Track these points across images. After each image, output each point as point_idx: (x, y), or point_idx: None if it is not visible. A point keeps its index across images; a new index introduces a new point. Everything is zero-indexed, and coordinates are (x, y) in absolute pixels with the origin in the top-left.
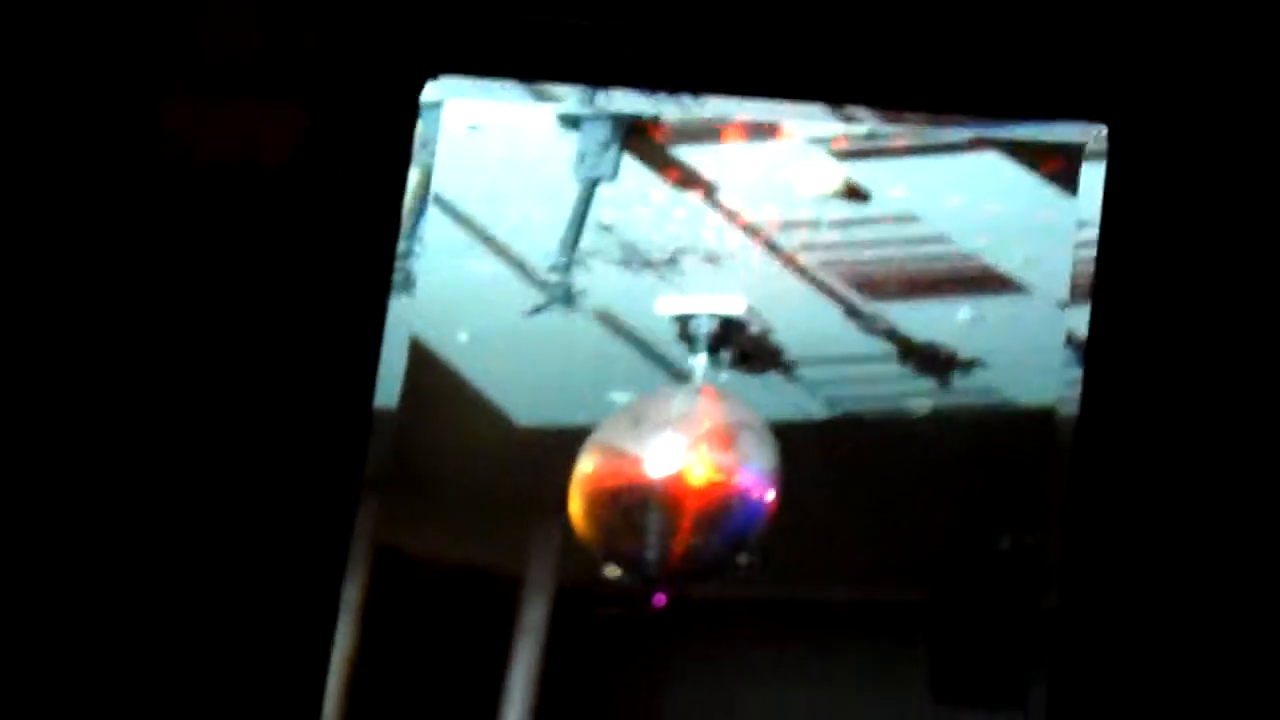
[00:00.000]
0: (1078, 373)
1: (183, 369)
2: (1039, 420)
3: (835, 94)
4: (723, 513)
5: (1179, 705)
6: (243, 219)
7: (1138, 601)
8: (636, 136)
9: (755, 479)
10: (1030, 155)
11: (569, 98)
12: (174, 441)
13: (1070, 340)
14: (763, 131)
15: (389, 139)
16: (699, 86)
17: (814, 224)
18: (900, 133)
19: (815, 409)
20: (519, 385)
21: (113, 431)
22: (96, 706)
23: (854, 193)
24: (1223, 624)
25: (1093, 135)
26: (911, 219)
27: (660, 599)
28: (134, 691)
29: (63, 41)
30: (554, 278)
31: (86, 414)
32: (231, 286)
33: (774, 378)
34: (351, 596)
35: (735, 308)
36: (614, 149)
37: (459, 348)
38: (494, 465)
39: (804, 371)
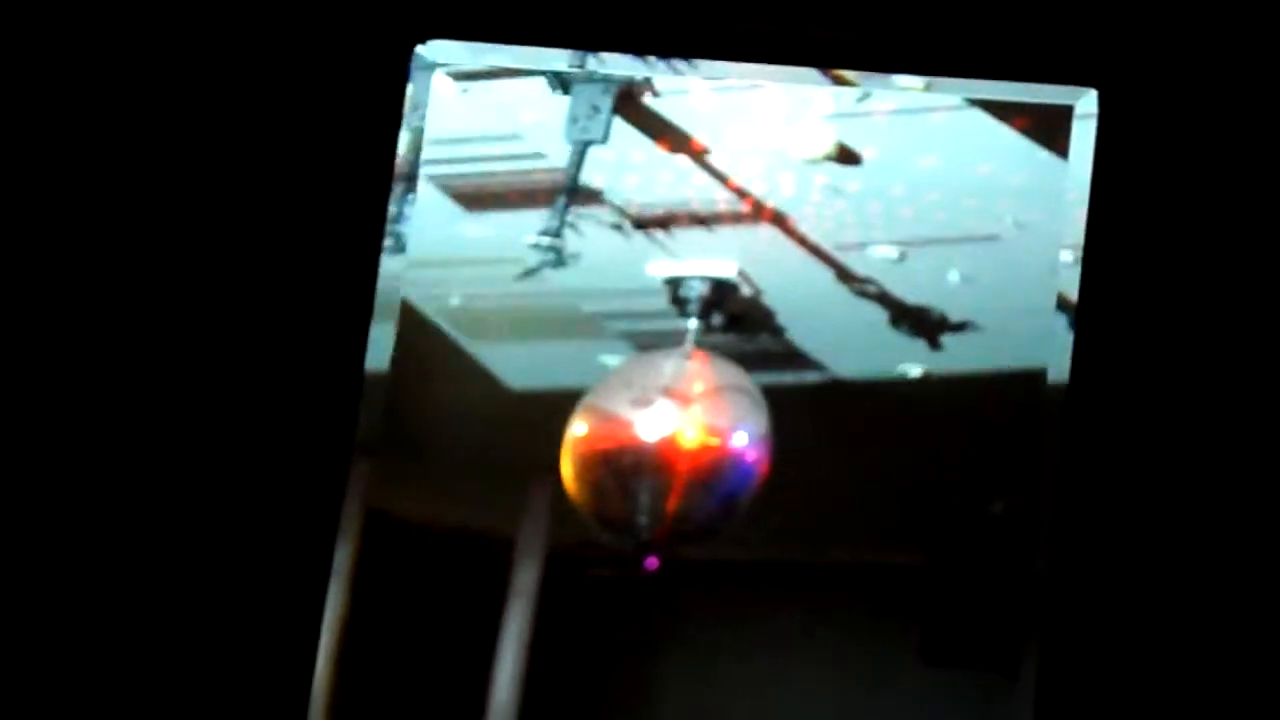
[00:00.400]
0: (1069, 336)
1: (173, 334)
2: (1030, 383)
3: (826, 58)
4: (714, 476)
5: (1170, 669)
6: (232, 184)
7: (1129, 565)
8: (628, 99)
9: (746, 442)
10: (1021, 118)
11: (560, 61)
12: (165, 406)
13: (1061, 303)
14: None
15: (380, 102)
16: (690, 50)
17: (805, 187)
18: (891, 96)
19: (806, 372)
20: (510, 349)
21: (101, 395)
22: (85, 674)
23: (846, 156)
24: (1214, 588)
25: (1083, 99)
26: (902, 182)
27: (652, 562)
28: (124, 658)
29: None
30: (546, 241)
31: (74, 383)
32: (222, 252)
33: (765, 340)
34: (342, 560)
35: (727, 271)
36: (605, 112)
37: (451, 311)
38: (485, 428)
39: (795, 334)
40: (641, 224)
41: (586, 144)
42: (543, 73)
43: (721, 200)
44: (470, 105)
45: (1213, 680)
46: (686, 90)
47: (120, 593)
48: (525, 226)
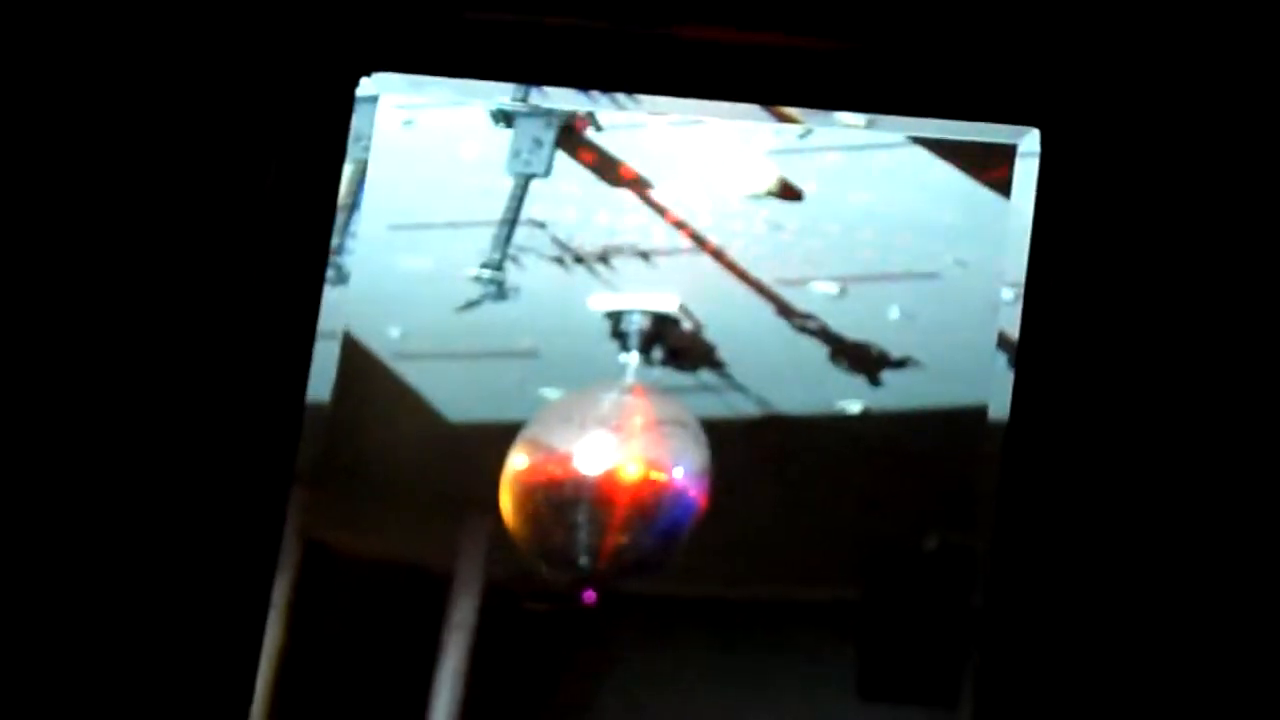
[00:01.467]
0: (1009, 373)
1: (114, 363)
2: (970, 420)
3: (769, 94)
4: (653, 510)
5: (1106, 704)
6: (175, 214)
7: (1066, 601)
8: (570, 133)
9: (686, 477)
10: (963, 157)
11: (503, 94)
12: (103, 435)
13: (1002, 341)
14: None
15: (323, 134)
16: (633, 85)
17: (747, 222)
18: (834, 132)
19: (746, 407)
20: (451, 381)
21: (39, 423)
22: (20, 702)
23: (788, 191)
24: (1150, 622)
25: (1026, 137)
26: (844, 218)
27: (590, 596)
28: (60, 686)
29: None
30: (487, 274)
31: (8, 412)
32: (164, 281)
33: (705, 375)
34: (280, 592)
35: (668, 305)
36: (548, 146)
37: (391, 343)
38: (425, 461)
39: (735, 369)
40: (583, 257)
41: (528, 177)
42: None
43: (663, 234)
44: (413, 138)
45: (1153, 714)
46: (629, 125)
47: (56, 623)
48: (466, 259)
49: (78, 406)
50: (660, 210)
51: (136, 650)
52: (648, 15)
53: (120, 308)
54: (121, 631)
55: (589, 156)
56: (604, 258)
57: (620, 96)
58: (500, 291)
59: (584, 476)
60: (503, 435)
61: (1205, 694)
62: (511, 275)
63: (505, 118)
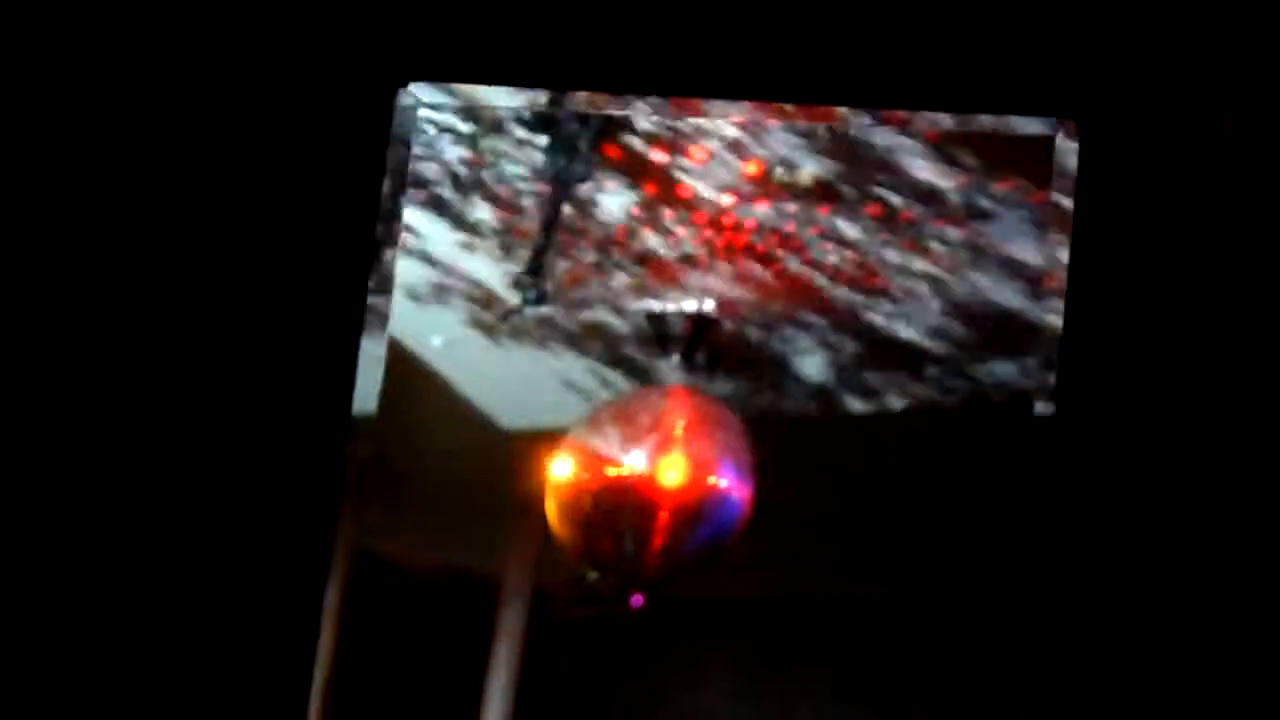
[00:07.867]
0: (1053, 366)
1: (163, 376)
2: (1015, 414)
3: (806, 93)
4: (699, 512)
5: (1165, 700)
6: (219, 224)
7: (1119, 593)
8: (609, 138)
9: (731, 478)
10: (1003, 150)
11: (542, 101)
12: (155, 447)
13: (1046, 334)
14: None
15: (365, 143)
16: (669, 88)
17: (785, 220)
18: (871, 129)
19: (790, 406)
20: (494, 387)
21: (91, 435)
22: (80, 710)
23: (826, 190)
24: (1206, 613)
25: (1064, 130)
26: (884, 214)
27: (638, 599)
28: (116, 696)
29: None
30: (528, 280)
31: (65, 419)
32: (211, 293)
33: (748, 375)
34: (330, 600)
35: (708, 307)
36: (586, 151)
37: (435, 351)
38: (471, 468)
39: (778, 368)
40: (623, 261)
41: (568, 183)
42: (519, 114)
43: (702, 235)
44: (452, 145)
45: (1206, 705)
46: (666, 127)
47: (116, 633)
48: (508, 265)
49: (128, 419)
50: (698, 211)
51: (193, 658)
52: (682, 18)
53: (167, 320)
54: (178, 640)
55: (626, 160)
56: (644, 260)
57: (655, 99)
58: (541, 297)
59: (629, 481)
60: (548, 441)
61: (1267, 679)
62: (552, 280)
63: (545, 124)
